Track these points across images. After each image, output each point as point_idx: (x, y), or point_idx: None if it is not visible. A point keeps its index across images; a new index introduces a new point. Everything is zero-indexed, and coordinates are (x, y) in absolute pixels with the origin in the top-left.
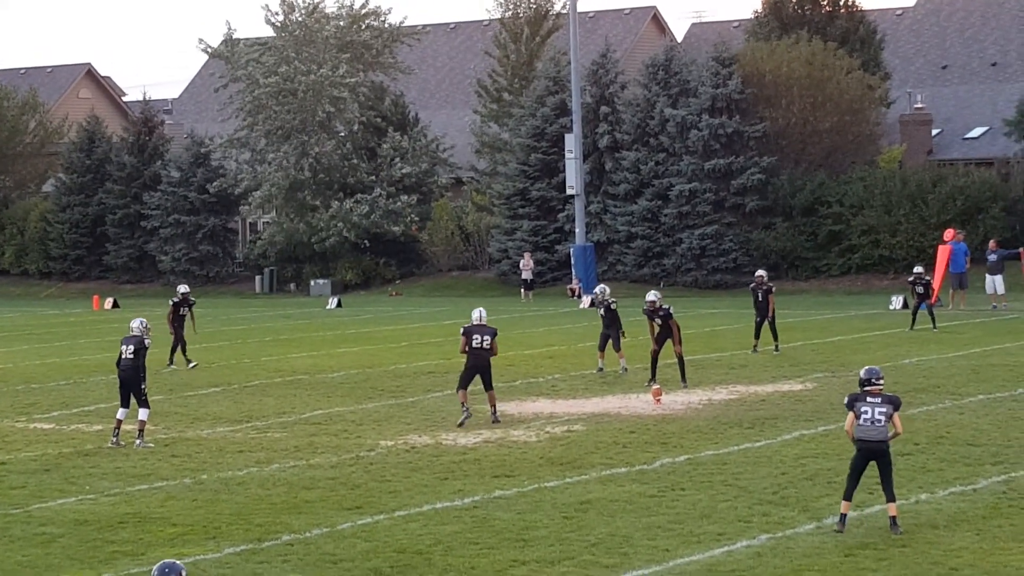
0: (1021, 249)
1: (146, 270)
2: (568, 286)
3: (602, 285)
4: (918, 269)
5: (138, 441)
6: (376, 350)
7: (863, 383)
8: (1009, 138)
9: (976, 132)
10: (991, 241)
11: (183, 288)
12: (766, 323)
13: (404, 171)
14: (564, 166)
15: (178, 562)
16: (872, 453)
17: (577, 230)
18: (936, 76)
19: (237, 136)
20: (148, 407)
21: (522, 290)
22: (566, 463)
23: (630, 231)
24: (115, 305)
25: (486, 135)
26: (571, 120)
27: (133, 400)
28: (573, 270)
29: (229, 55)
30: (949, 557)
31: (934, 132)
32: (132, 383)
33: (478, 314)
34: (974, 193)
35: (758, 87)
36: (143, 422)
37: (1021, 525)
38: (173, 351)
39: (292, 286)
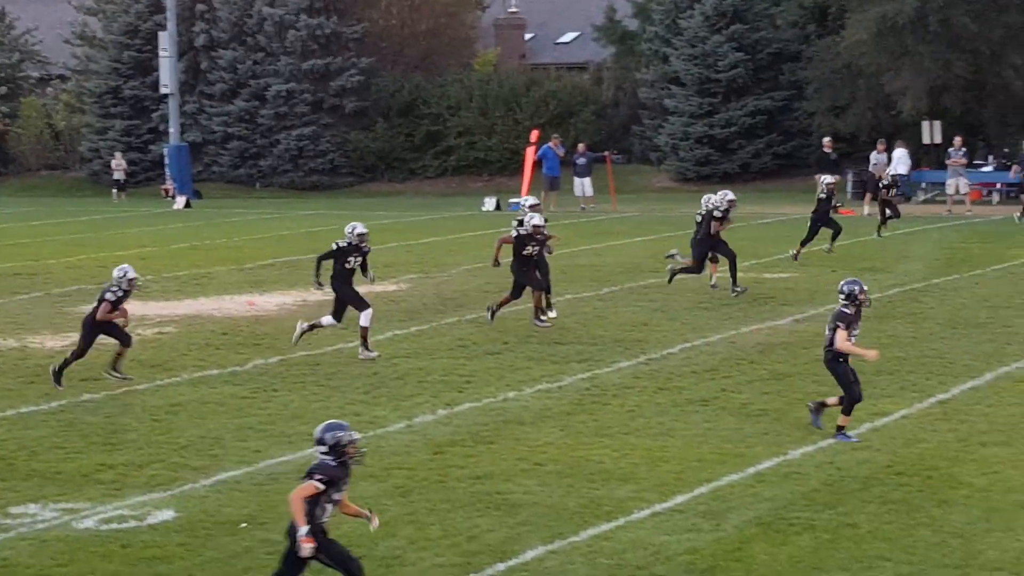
0: (607, 152)
1: None
2: (162, 187)
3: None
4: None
5: (361, 349)
6: None
7: None
8: (598, 43)
9: (568, 37)
10: (580, 144)
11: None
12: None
13: None
14: (158, 64)
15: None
16: None
17: (171, 130)
18: None
19: None
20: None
21: (114, 191)
22: (156, 365)
23: (226, 132)
24: None
25: (87, 29)
26: (166, 17)
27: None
28: (167, 170)
29: None
30: (534, 453)
31: (527, 36)
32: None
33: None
34: (566, 97)
35: None
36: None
37: (603, 420)
38: None
39: None
